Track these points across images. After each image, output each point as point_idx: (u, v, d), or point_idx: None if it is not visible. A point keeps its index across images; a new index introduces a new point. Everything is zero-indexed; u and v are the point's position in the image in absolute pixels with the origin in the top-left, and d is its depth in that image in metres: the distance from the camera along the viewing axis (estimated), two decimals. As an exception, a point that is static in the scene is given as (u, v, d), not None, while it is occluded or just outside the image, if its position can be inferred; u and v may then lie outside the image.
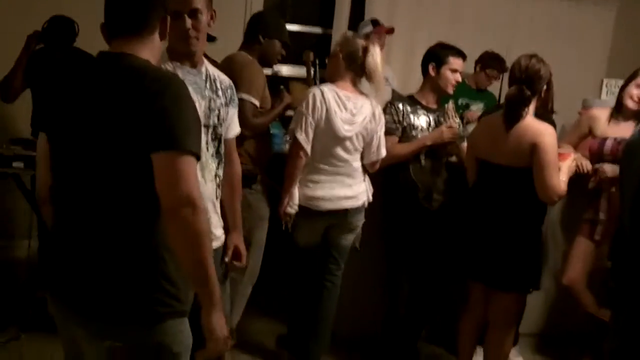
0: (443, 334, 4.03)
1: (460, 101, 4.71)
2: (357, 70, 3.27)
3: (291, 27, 5.34)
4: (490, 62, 4.85)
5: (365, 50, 3.24)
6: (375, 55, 3.25)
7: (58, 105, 1.85)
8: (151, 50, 1.85)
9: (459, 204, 3.41)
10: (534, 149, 2.90)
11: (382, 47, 4.65)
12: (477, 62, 4.88)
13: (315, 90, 3.23)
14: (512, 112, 2.98)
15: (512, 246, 3.05)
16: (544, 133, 2.92)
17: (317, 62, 4.12)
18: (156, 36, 1.87)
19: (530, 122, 2.97)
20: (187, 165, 1.68)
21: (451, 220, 3.43)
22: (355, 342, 3.88)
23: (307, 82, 4.11)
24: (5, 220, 4.67)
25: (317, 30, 5.39)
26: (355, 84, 3.32)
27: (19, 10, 4.48)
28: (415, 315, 3.69)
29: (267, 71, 3.49)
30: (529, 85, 2.95)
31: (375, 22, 4.72)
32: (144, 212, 1.75)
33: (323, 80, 3.47)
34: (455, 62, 3.50)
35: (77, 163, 1.80)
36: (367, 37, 4.46)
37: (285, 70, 5.14)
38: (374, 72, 3.24)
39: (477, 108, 4.82)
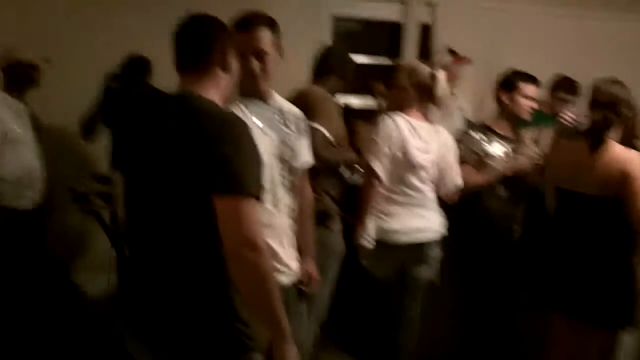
0: None
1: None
2: (425, 98, 3.25)
3: (360, 58, 5.38)
4: (562, 86, 4.75)
5: (433, 77, 3.23)
6: (443, 82, 3.24)
7: (130, 145, 1.92)
8: (217, 85, 1.90)
9: (540, 234, 3.31)
10: (624, 178, 2.80)
11: (458, 77, 4.67)
12: (549, 88, 4.79)
13: (388, 119, 3.22)
14: (596, 138, 2.89)
15: (600, 278, 2.93)
16: (634, 161, 2.82)
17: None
18: (219, 70, 1.90)
19: (618, 150, 2.87)
20: (248, 208, 1.71)
21: (533, 252, 3.33)
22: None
23: (378, 112, 4.10)
24: (85, 255, 4.80)
25: (385, 61, 5.40)
26: (425, 113, 3.29)
27: (97, 49, 4.65)
28: (495, 349, 3.60)
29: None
30: (612, 110, 2.88)
31: (453, 52, 4.72)
32: (211, 252, 1.77)
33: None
34: (526, 87, 3.46)
35: (148, 202, 1.85)
36: (445, 67, 4.48)
37: (354, 101, 5.16)
38: (443, 99, 3.24)
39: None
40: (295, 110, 2.62)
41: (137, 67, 4.09)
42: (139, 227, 1.90)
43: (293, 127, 2.54)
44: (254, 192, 1.73)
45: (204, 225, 1.75)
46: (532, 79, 3.50)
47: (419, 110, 3.27)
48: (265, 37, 2.37)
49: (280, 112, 2.53)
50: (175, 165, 1.75)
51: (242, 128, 1.78)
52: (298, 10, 4.97)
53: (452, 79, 4.60)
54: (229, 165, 1.70)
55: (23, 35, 4.44)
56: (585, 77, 4.60)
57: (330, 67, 3.45)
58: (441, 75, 3.25)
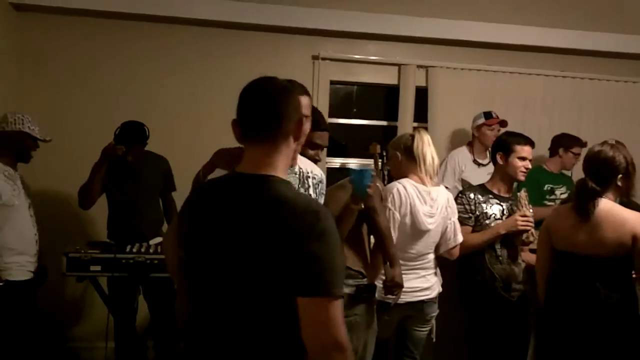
0: None
1: (546, 187, 4.73)
2: (414, 161, 3.28)
3: (357, 121, 5.46)
4: (571, 141, 4.81)
5: (412, 137, 3.29)
6: (422, 139, 3.26)
7: (197, 229, 1.78)
8: (286, 155, 1.77)
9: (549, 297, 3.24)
10: (635, 240, 2.81)
11: (494, 138, 4.52)
12: (558, 146, 4.85)
13: (399, 186, 3.25)
14: (581, 204, 2.93)
15: (611, 338, 2.88)
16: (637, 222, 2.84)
17: (385, 154, 4.14)
18: (291, 140, 1.77)
19: (626, 212, 2.88)
20: (335, 310, 1.59)
21: (536, 311, 3.35)
22: None
23: (376, 173, 4.11)
24: (82, 322, 4.75)
25: (382, 123, 5.46)
26: (423, 176, 3.32)
27: (95, 116, 4.71)
28: None
29: (336, 163, 3.49)
30: (598, 175, 2.93)
31: (487, 115, 4.79)
32: (287, 355, 1.67)
33: (390, 174, 3.47)
34: (522, 149, 3.53)
35: (216, 294, 1.72)
36: (478, 129, 4.65)
37: (353, 163, 5.19)
38: (424, 157, 3.25)
39: (560, 192, 4.77)
40: (317, 171, 2.62)
41: (133, 132, 4.10)
42: (204, 321, 1.77)
43: (312, 190, 2.55)
44: (341, 293, 1.62)
45: (283, 323, 1.64)
46: (527, 141, 3.57)
47: (417, 175, 3.30)
48: (305, 102, 2.38)
49: (303, 175, 2.53)
50: (254, 258, 1.63)
51: (329, 220, 1.64)
52: (297, 74, 5.00)
53: (486, 142, 4.66)
54: (319, 264, 1.58)
55: (22, 97, 4.54)
56: (581, 135, 4.68)
57: None
58: (421, 133, 3.28)
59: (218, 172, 2.31)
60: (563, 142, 4.86)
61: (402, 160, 3.33)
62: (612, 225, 2.86)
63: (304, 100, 2.37)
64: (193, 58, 4.97)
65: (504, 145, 3.56)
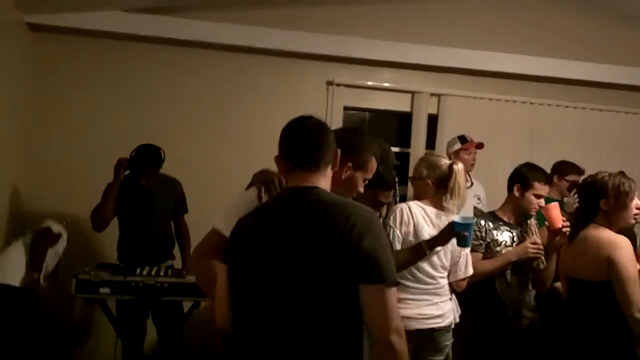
0: None
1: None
2: (442, 189, 3.28)
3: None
4: (567, 169, 4.77)
5: (451, 170, 3.26)
6: (460, 175, 3.27)
7: (249, 240, 1.99)
8: (327, 180, 2.05)
9: (551, 321, 3.33)
10: (609, 263, 2.85)
11: (473, 162, 4.73)
12: (553, 173, 4.81)
13: (403, 206, 3.26)
14: (571, 228, 3.12)
15: None
16: (616, 245, 2.87)
17: (397, 180, 4.12)
18: (329, 168, 2.06)
19: (604, 235, 2.93)
20: (393, 297, 1.82)
21: (545, 339, 3.35)
22: None
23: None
24: (90, 345, 4.71)
25: (394, 149, 5.44)
26: (441, 202, 3.31)
27: (107, 138, 4.72)
28: None
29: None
30: (584, 197, 3.08)
31: (462, 139, 4.77)
32: (352, 340, 1.86)
33: (403, 198, 3.45)
34: (541, 188, 3.52)
35: (272, 296, 1.90)
36: (456, 154, 4.58)
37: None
38: (459, 191, 3.25)
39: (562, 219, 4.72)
40: None
41: (148, 156, 4.10)
42: (257, 322, 1.94)
43: None
44: (396, 280, 1.85)
45: (347, 314, 1.84)
46: (547, 180, 3.57)
47: (435, 199, 3.29)
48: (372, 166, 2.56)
49: None
50: (311, 257, 1.84)
51: (377, 219, 1.95)
52: (312, 99, 5.09)
53: (465, 166, 4.66)
54: (375, 255, 1.81)
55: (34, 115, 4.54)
56: (584, 166, 4.67)
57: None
58: (459, 167, 3.29)
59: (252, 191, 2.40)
60: (559, 169, 4.81)
61: (430, 188, 3.29)
62: (589, 249, 2.93)
63: (373, 163, 2.56)
64: (208, 82, 5.02)
65: (524, 179, 3.53)
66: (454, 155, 4.68)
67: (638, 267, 2.93)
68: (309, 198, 1.94)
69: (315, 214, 1.89)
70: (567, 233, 3.29)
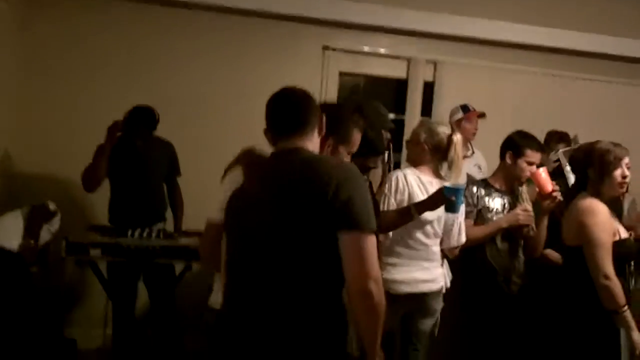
0: None
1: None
2: (439, 157, 3.30)
3: (365, 113, 5.40)
4: (558, 138, 4.74)
5: (450, 141, 3.26)
6: (458, 146, 3.28)
7: (238, 206, 2.10)
8: (313, 144, 2.14)
9: (540, 289, 3.36)
10: (580, 227, 2.91)
11: (474, 131, 4.75)
12: (546, 143, 4.78)
13: (398, 173, 3.27)
14: (566, 194, 3.18)
15: (581, 333, 2.92)
16: (590, 212, 2.91)
17: (392, 146, 4.09)
18: (316, 132, 2.15)
19: (582, 202, 2.97)
20: (371, 244, 1.90)
21: (533, 306, 3.38)
22: None
23: (382, 165, 4.07)
24: (81, 308, 4.71)
25: (390, 116, 5.42)
26: (437, 169, 3.34)
27: (102, 101, 4.67)
28: None
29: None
30: (574, 166, 3.16)
31: (465, 108, 4.76)
32: (328, 285, 1.96)
33: (397, 164, 3.43)
34: (533, 155, 3.51)
35: (258, 249, 2.00)
36: (458, 123, 4.59)
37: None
38: (456, 162, 3.26)
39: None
40: None
41: (142, 117, 4.05)
42: (246, 270, 2.04)
43: None
44: (374, 228, 1.93)
45: (328, 260, 1.92)
46: (539, 148, 3.56)
47: (431, 167, 3.31)
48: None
49: None
50: (297, 208, 1.92)
51: (358, 172, 2.04)
52: (307, 64, 5.05)
53: (467, 135, 4.65)
54: (353, 205, 1.89)
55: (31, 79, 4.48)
56: (581, 136, 4.66)
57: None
58: (458, 137, 3.29)
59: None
60: (552, 139, 4.76)
61: (426, 153, 3.30)
62: (571, 216, 2.99)
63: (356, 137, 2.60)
64: (200, 45, 4.95)
65: (516, 146, 3.53)
66: (456, 124, 4.67)
67: (619, 237, 2.95)
68: (292, 157, 2.03)
69: (297, 169, 1.98)
70: (558, 198, 3.30)
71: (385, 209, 3.16)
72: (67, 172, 4.41)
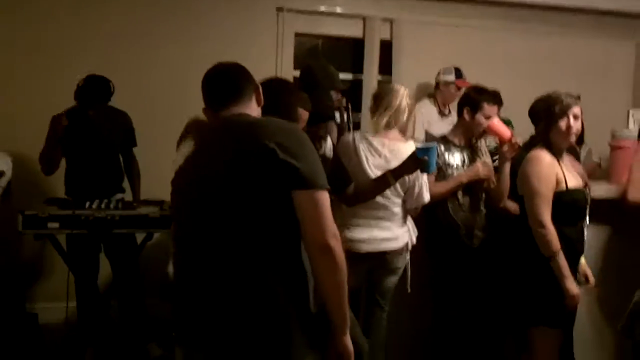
0: None
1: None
2: (387, 113, 3.29)
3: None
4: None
5: (394, 94, 3.29)
6: (404, 97, 3.29)
7: (184, 175, 2.06)
8: (253, 112, 2.11)
9: (500, 240, 3.41)
10: (521, 176, 3.03)
11: (456, 97, 4.68)
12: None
13: (348, 137, 3.28)
14: (524, 148, 3.20)
15: (523, 277, 3.04)
16: (530, 161, 3.01)
17: (350, 107, 4.08)
18: (254, 102, 2.14)
19: (530, 153, 3.05)
20: (326, 201, 1.89)
21: (494, 258, 3.43)
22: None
23: (341, 126, 4.06)
24: (41, 282, 4.64)
25: (348, 76, 5.41)
26: (393, 130, 3.31)
27: (54, 68, 4.56)
28: (464, 354, 3.59)
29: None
30: (531, 117, 3.26)
31: (458, 73, 4.76)
32: (291, 246, 1.94)
33: (357, 124, 3.43)
34: (490, 109, 3.52)
35: (212, 210, 1.95)
36: (446, 84, 4.69)
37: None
38: (401, 113, 3.28)
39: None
40: None
41: (97, 88, 3.95)
42: (197, 238, 2.00)
43: None
44: (326, 186, 1.91)
45: (283, 220, 1.90)
46: (496, 101, 3.55)
47: (386, 127, 3.29)
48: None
49: None
50: (245, 170, 1.89)
51: (302, 131, 2.04)
52: (261, 26, 4.98)
53: (448, 97, 4.65)
54: (304, 164, 1.88)
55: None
56: (541, 91, 4.69)
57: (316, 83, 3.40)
58: (402, 91, 3.30)
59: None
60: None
61: (382, 118, 3.29)
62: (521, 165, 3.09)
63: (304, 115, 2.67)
64: (156, 9, 4.85)
65: (473, 102, 3.53)
66: (444, 85, 4.68)
67: (566, 187, 2.99)
68: (239, 120, 2.02)
69: (245, 131, 1.95)
70: (517, 144, 3.35)
71: (342, 172, 3.14)
72: (19, 145, 4.32)
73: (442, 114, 4.91)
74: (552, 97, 3.05)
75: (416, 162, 3.02)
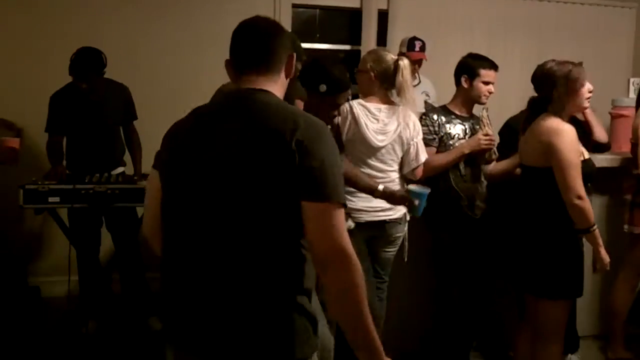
0: (494, 344, 3.96)
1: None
2: (389, 85, 3.29)
3: (320, 45, 5.37)
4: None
5: (397, 67, 3.25)
6: (406, 71, 3.26)
7: (182, 146, 1.77)
8: (279, 87, 1.83)
9: (502, 211, 3.40)
10: (550, 149, 2.88)
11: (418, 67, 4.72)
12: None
13: (345, 105, 3.24)
14: (528, 115, 3.08)
15: (546, 251, 2.96)
16: (558, 132, 2.88)
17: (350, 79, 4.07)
18: (283, 75, 1.84)
19: (549, 123, 2.94)
20: (340, 216, 1.62)
21: (496, 228, 3.43)
22: (403, 356, 3.72)
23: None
24: (43, 257, 4.66)
25: (345, 47, 5.38)
26: (387, 96, 3.33)
27: (48, 41, 4.52)
28: (466, 326, 3.63)
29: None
30: (538, 87, 3.03)
31: (411, 45, 4.68)
32: (287, 258, 1.67)
33: (355, 95, 3.42)
34: (487, 74, 3.51)
35: (207, 205, 1.69)
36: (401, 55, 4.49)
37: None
38: (404, 88, 3.26)
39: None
40: None
41: (88, 60, 3.91)
42: (190, 230, 1.73)
43: None
44: (344, 200, 1.65)
45: (285, 231, 1.66)
46: (492, 65, 3.54)
47: (380, 95, 3.30)
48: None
49: None
50: (254, 168, 1.63)
51: (330, 134, 1.71)
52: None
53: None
54: (322, 172, 1.61)
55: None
56: (540, 57, 4.68)
57: None
58: (405, 62, 3.28)
59: None
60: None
61: (375, 82, 3.29)
62: (535, 136, 2.96)
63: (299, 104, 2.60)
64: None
65: (469, 68, 3.51)
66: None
67: (584, 157, 2.99)
68: (254, 100, 1.72)
69: (258, 118, 1.67)
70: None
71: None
72: (19, 119, 4.30)
73: None
74: (561, 68, 2.98)
75: (403, 200, 3.08)
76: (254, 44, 1.80)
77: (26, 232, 4.61)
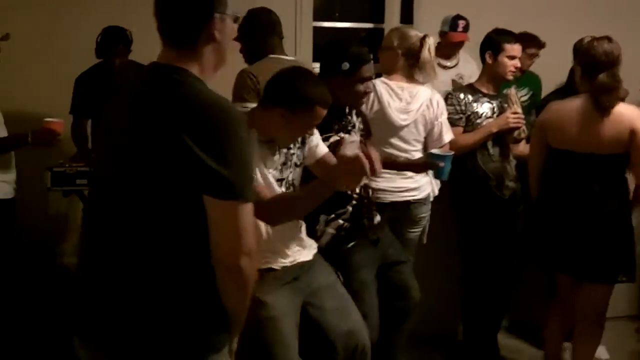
0: (523, 325, 3.97)
1: (505, 91, 4.52)
2: (413, 62, 3.25)
3: (341, 24, 5.31)
4: (527, 41, 4.56)
5: (422, 43, 3.22)
6: (431, 47, 3.23)
7: (103, 125, 1.73)
8: (201, 64, 1.61)
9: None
10: (633, 135, 2.81)
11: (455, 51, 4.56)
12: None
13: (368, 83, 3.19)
14: (608, 98, 2.86)
15: (603, 235, 2.92)
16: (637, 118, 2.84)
17: (372, 57, 4.02)
18: (206, 47, 1.61)
19: (624, 108, 2.88)
20: (249, 215, 1.54)
21: (525, 209, 3.40)
22: (431, 339, 3.77)
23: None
24: (71, 237, 4.69)
25: (368, 25, 5.32)
26: (411, 75, 3.29)
27: (69, 24, 4.52)
28: (494, 307, 3.62)
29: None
30: (614, 70, 2.89)
31: (454, 25, 4.45)
32: (195, 255, 1.59)
33: (377, 75, 3.39)
34: (511, 48, 3.46)
35: (119, 191, 1.60)
36: (442, 35, 4.47)
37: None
38: (427, 64, 3.23)
39: (521, 94, 4.59)
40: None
41: (117, 36, 3.92)
42: (106, 227, 1.64)
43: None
44: (252, 198, 1.55)
45: (187, 226, 1.56)
46: (517, 39, 3.50)
47: (403, 72, 3.27)
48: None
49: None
50: (160, 158, 1.51)
51: (243, 125, 1.55)
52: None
53: (448, 50, 4.52)
54: (229, 164, 1.49)
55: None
56: (568, 38, 4.59)
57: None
58: (430, 41, 3.24)
59: None
60: (520, 41, 4.63)
61: (399, 59, 3.25)
62: (610, 122, 2.86)
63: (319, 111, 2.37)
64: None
65: (493, 44, 3.47)
66: (440, 35, 4.49)
67: None
68: (167, 81, 1.55)
69: (165, 103, 1.52)
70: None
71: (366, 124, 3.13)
72: (43, 103, 4.31)
73: (440, 65, 4.68)
74: (612, 47, 2.92)
75: (426, 165, 3.01)
76: (170, 14, 1.60)
77: (52, 214, 4.64)
